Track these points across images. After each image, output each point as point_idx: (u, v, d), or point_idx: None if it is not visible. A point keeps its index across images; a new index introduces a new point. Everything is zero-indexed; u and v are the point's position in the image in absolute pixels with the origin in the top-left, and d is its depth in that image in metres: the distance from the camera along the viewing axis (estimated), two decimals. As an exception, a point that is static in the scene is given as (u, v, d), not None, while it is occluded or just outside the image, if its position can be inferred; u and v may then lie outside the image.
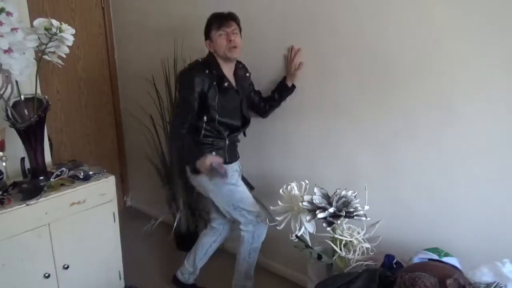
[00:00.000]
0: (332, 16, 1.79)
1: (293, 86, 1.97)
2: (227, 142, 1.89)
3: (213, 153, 1.84)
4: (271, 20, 1.99)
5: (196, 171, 1.83)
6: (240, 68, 1.96)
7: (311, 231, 1.56)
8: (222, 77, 1.81)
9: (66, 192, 1.67)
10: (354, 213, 1.48)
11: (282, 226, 1.62)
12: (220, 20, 1.77)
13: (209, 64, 1.82)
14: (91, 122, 2.93)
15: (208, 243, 2.11)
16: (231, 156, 1.94)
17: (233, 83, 1.88)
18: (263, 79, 2.07)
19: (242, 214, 1.92)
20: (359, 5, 1.69)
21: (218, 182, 1.84)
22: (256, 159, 2.24)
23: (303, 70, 1.92)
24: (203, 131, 1.83)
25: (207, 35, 1.82)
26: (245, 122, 1.97)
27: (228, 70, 1.86)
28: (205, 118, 1.82)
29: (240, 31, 1.83)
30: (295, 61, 1.92)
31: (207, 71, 1.79)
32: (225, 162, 1.85)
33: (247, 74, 2.00)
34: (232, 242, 2.30)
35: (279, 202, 1.67)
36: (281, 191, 1.70)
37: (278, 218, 1.65)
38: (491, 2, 1.39)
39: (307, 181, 1.69)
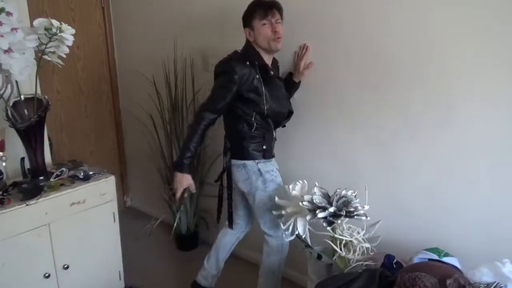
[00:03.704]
0: (333, 17, 1.79)
1: (299, 82, 1.95)
2: (274, 134, 1.85)
3: (264, 147, 1.78)
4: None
5: (174, 169, 1.72)
6: (274, 59, 1.89)
7: (301, 232, 1.56)
8: (265, 67, 1.72)
9: (66, 192, 1.67)
10: (354, 213, 1.48)
11: (286, 226, 1.60)
12: (266, 9, 1.67)
13: (249, 55, 1.72)
14: (91, 122, 2.93)
15: (231, 242, 2.04)
16: (274, 150, 1.89)
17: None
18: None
19: (275, 219, 1.80)
20: (360, 5, 1.69)
21: (266, 180, 1.79)
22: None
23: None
24: (255, 124, 1.75)
25: (248, 23, 1.71)
26: (290, 112, 1.88)
27: (268, 59, 1.78)
28: (254, 112, 1.73)
29: (282, 20, 1.74)
30: (304, 59, 1.89)
31: (247, 63, 1.68)
32: (272, 156, 1.84)
33: (278, 64, 1.95)
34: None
35: (282, 212, 1.64)
36: (290, 187, 1.69)
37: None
38: (491, 2, 1.39)
39: (305, 181, 1.69)
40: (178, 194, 1.71)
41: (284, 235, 1.74)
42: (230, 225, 1.95)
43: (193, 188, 1.74)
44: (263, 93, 1.70)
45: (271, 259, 1.89)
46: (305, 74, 1.91)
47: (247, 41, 1.75)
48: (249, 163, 1.79)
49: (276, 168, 1.86)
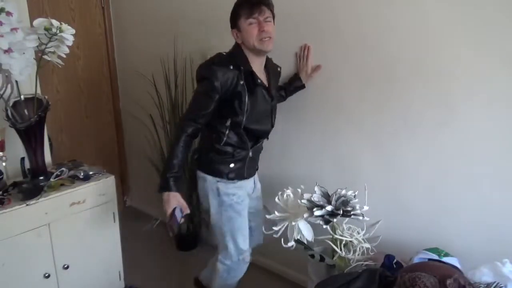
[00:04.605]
0: (333, 17, 1.79)
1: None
2: (250, 154, 1.64)
3: (231, 166, 1.59)
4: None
5: (160, 189, 1.52)
6: (271, 62, 1.71)
7: (309, 238, 1.54)
8: (251, 74, 1.53)
9: (66, 192, 1.67)
10: (352, 212, 1.48)
11: (278, 234, 1.55)
12: (252, 6, 1.47)
13: (235, 58, 1.53)
14: (91, 122, 2.93)
15: None
16: (250, 169, 1.70)
17: (265, 81, 1.61)
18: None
19: (227, 246, 1.69)
20: (360, 6, 1.69)
21: (223, 203, 1.64)
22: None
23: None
24: (225, 138, 1.56)
25: (234, 23, 1.53)
26: (272, 127, 1.72)
27: (258, 65, 1.58)
28: (228, 122, 1.55)
29: (274, 18, 1.56)
30: (309, 60, 1.82)
31: (231, 67, 1.49)
32: (242, 178, 1.65)
33: (279, 69, 1.76)
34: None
35: (276, 212, 1.59)
36: (276, 199, 1.64)
37: (275, 228, 1.57)
38: (491, 2, 1.39)
39: (303, 187, 1.66)
40: (168, 214, 1.49)
41: (230, 263, 1.68)
42: (207, 226, 1.90)
43: (185, 207, 1.51)
44: (245, 101, 1.51)
45: (214, 282, 1.79)
46: (313, 76, 1.86)
47: (236, 43, 1.59)
48: (209, 178, 1.63)
49: (247, 194, 1.70)
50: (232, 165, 1.61)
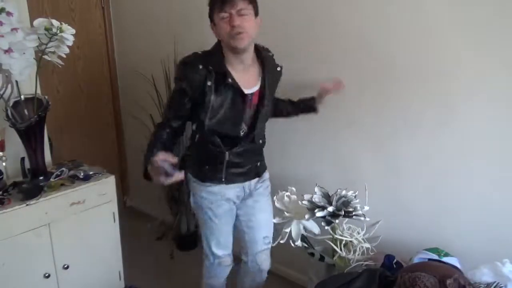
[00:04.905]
0: (332, 17, 1.79)
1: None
2: (227, 157, 1.48)
3: (206, 167, 1.51)
4: (271, 20, 1.99)
5: (147, 177, 1.45)
6: (271, 61, 1.53)
7: (316, 232, 1.55)
8: (223, 74, 1.39)
9: (66, 192, 1.67)
10: (353, 213, 1.48)
11: (285, 238, 1.58)
12: None
13: (208, 57, 1.41)
14: (91, 122, 2.93)
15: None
16: (234, 176, 1.53)
17: (246, 82, 1.44)
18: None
19: (203, 246, 1.68)
20: (360, 5, 1.69)
21: (196, 203, 1.59)
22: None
23: (302, 70, 1.91)
24: (197, 137, 1.49)
25: (211, 17, 1.40)
26: (252, 131, 1.51)
27: (237, 64, 1.41)
28: (195, 125, 1.49)
29: (256, 11, 1.38)
30: (332, 91, 1.68)
31: (201, 66, 1.37)
32: (219, 182, 1.52)
33: (278, 69, 1.55)
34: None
35: (285, 213, 1.62)
36: (276, 203, 1.65)
37: (286, 230, 1.58)
38: (491, 2, 1.39)
39: (294, 189, 1.67)
40: (160, 180, 1.30)
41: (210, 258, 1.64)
42: None
43: (169, 158, 1.28)
44: (209, 102, 1.39)
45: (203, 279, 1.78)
46: (325, 98, 1.71)
47: (217, 40, 1.45)
48: (188, 176, 1.57)
49: (233, 200, 1.57)
50: (206, 166, 1.51)
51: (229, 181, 1.53)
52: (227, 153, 1.47)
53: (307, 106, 1.71)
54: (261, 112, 1.48)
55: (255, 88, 1.46)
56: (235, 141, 1.49)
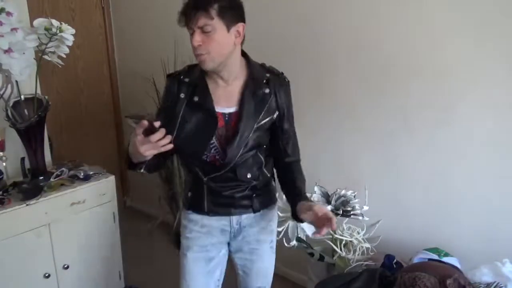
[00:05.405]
0: (331, 16, 1.79)
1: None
2: (205, 181, 1.26)
3: (189, 194, 1.32)
4: (269, 19, 1.99)
5: (132, 166, 1.17)
6: (258, 81, 1.24)
7: (309, 234, 1.55)
8: (194, 88, 1.23)
9: (66, 192, 1.67)
10: (351, 212, 1.49)
11: (280, 236, 1.55)
12: (184, 11, 1.11)
13: (195, 68, 1.27)
14: (91, 122, 2.93)
15: None
16: (217, 206, 1.29)
17: (224, 97, 1.23)
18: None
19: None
20: (358, 5, 1.69)
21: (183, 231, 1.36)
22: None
23: (301, 70, 1.91)
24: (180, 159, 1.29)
25: None
26: (230, 161, 1.22)
27: (217, 78, 1.23)
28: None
29: (228, 23, 1.11)
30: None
31: (181, 77, 1.25)
32: (201, 212, 1.30)
33: (266, 91, 1.23)
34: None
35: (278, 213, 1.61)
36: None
37: (279, 229, 1.54)
38: (490, 2, 1.39)
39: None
40: (139, 146, 1.02)
41: None
42: None
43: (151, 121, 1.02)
44: (178, 116, 1.21)
45: None
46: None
47: None
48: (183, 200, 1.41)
49: (203, 231, 1.31)
50: (190, 193, 1.33)
51: (211, 211, 1.30)
52: (205, 178, 1.26)
53: (292, 206, 1.25)
54: (236, 137, 1.20)
55: (235, 108, 1.23)
56: (217, 167, 1.25)
